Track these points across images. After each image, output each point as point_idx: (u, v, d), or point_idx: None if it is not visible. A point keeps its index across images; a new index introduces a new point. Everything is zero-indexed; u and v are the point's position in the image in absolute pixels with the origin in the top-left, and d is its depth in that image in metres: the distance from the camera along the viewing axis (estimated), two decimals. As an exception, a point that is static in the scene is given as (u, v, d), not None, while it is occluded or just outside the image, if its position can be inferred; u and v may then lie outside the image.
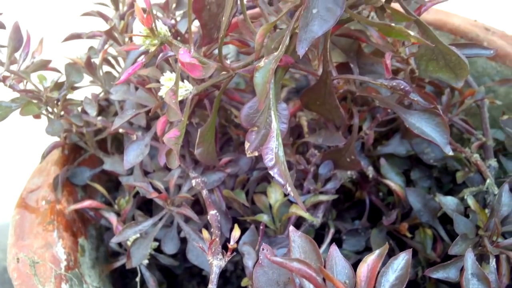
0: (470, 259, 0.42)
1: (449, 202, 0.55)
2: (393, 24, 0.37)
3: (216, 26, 0.46)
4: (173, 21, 0.61)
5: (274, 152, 0.43)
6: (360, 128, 0.63)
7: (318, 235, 0.65)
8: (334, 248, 0.38)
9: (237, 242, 0.56)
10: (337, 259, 0.38)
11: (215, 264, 0.43)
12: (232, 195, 0.56)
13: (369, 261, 0.33)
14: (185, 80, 0.48)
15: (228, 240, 0.48)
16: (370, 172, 0.63)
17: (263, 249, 0.37)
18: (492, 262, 0.48)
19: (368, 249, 0.63)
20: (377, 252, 0.34)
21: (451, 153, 0.47)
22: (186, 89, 0.48)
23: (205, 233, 0.45)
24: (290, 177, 0.44)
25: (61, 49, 0.62)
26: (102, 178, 0.71)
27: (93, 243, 0.67)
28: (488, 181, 0.56)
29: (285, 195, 0.59)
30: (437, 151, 0.63)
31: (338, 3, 0.38)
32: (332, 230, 0.64)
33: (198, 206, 0.64)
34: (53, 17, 1.29)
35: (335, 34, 0.53)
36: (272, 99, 0.45)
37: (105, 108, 0.66)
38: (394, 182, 0.60)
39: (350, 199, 0.72)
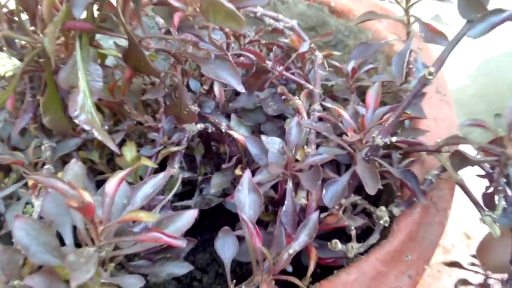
0: (247, 176, 0.49)
1: (274, 142, 0.62)
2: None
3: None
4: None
5: (79, 104, 0.51)
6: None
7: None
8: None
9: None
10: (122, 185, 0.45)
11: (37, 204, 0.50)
12: (85, 155, 0.63)
13: (115, 179, 0.41)
14: (12, 58, 0.56)
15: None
16: (223, 127, 0.70)
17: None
18: (289, 184, 0.55)
19: (226, 194, 0.71)
20: (127, 170, 0.42)
21: (243, 90, 0.54)
22: (13, 65, 0.56)
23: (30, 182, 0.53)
24: (98, 125, 0.52)
25: None
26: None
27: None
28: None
29: (138, 151, 0.66)
30: (279, 103, 0.70)
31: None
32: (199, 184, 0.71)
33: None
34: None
35: (154, 3, 0.61)
36: (79, 62, 0.53)
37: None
38: (238, 133, 0.68)
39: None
